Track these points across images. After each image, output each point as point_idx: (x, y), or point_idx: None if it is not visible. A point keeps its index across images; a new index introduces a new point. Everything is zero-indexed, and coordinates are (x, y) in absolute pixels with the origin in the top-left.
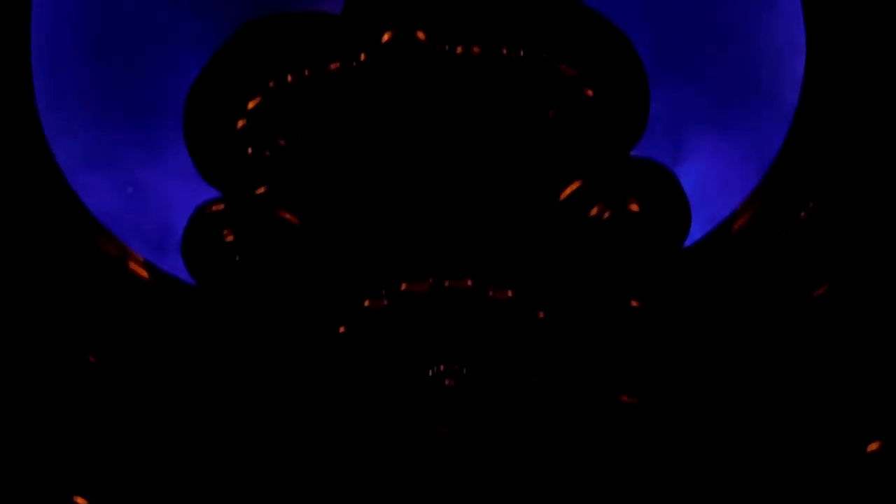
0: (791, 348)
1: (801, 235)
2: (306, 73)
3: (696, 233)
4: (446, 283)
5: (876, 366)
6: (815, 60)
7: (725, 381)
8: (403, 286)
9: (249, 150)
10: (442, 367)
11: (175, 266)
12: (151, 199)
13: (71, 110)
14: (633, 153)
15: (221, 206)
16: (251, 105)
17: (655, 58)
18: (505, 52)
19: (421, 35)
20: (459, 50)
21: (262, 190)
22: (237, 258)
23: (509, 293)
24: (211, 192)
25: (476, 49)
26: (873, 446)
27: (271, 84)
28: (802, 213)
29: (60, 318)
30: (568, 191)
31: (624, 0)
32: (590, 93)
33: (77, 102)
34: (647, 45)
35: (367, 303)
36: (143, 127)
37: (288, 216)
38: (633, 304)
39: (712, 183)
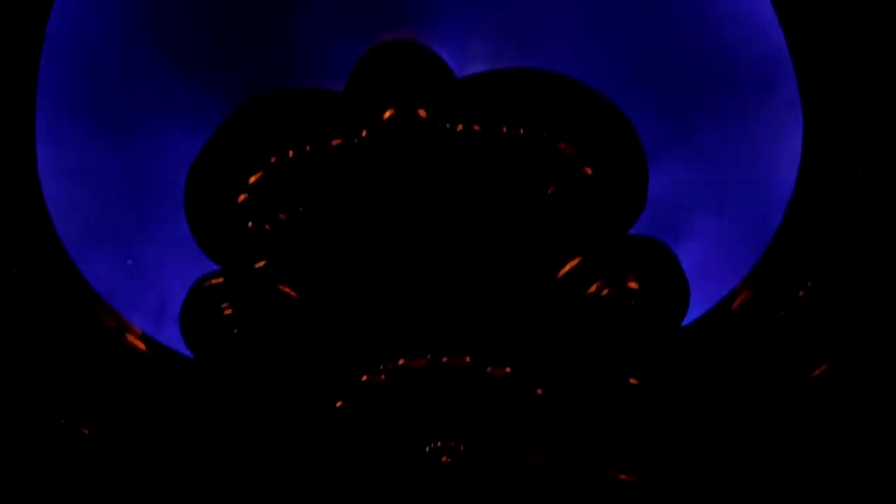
0: (790, 428)
1: (801, 315)
2: (308, 148)
3: (695, 311)
4: (444, 360)
5: (875, 446)
6: (812, 143)
7: (724, 460)
8: (401, 362)
9: (250, 224)
10: (439, 444)
11: (173, 339)
12: (150, 272)
13: (73, 183)
14: (632, 231)
15: (220, 280)
16: (252, 179)
17: (655, 137)
18: (505, 130)
19: (422, 113)
20: (460, 128)
21: (261, 264)
22: (235, 332)
23: (507, 370)
24: (210, 266)
25: (476, 127)
26: None
27: (273, 159)
28: (801, 293)
29: (56, 390)
30: (567, 268)
31: (623, 80)
32: (589, 171)
33: (79, 176)
34: (646, 124)
35: (364, 378)
36: (144, 200)
37: (287, 290)
38: (632, 381)
39: (711, 261)
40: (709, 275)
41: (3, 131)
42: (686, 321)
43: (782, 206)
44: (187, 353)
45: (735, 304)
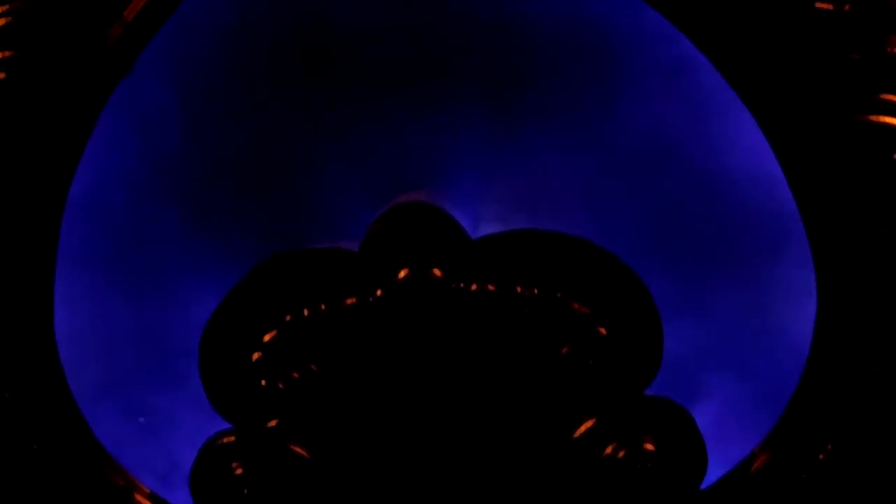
0: None
1: (821, 478)
2: (323, 307)
3: (713, 474)
4: None
5: None
6: (827, 303)
7: None
8: None
9: (263, 383)
10: None
11: (182, 499)
12: (161, 430)
13: (87, 340)
14: (647, 391)
15: (232, 439)
16: (267, 338)
17: (669, 297)
18: (519, 290)
19: (437, 273)
20: (474, 287)
21: (273, 423)
22: (246, 492)
23: None
24: (222, 424)
25: (491, 287)
26: None
27: (288, 318)
28: (821, 455)
29: None
30: (582, 429)
31: (636, 241)
32: (603, 331)
33: (93, 332)
34: (659, 284)
35: None
36: (157, 357)
37: (299, 450)
38: None
39: (729, 422)
40: (726, 436)
41: (21, 289)
42: (704, 484)
43: (799, 367)
44: None
45: (754, 467)
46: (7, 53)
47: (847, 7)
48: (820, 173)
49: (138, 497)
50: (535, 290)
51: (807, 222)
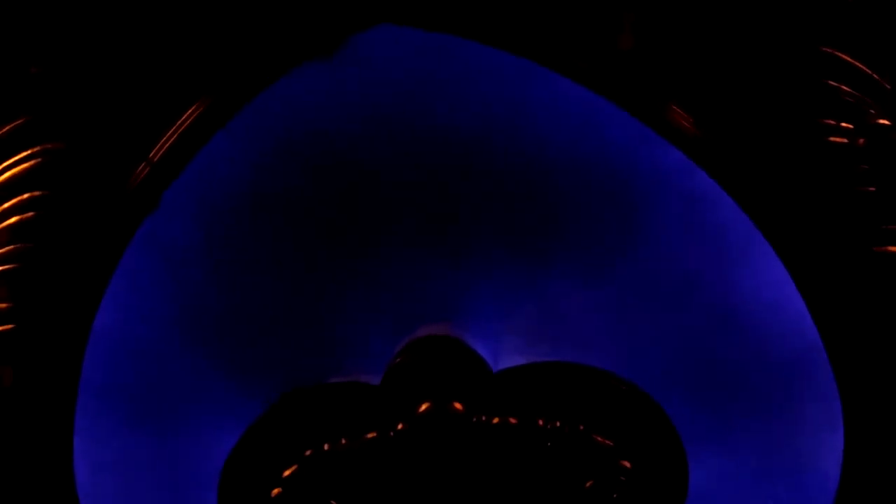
0: None
1: None
2: (343, 441)
3: None
4: None
5: None
6: (854, 433)
7: None
8: None
9: None
10: None
11: None
12: None
13: (107, 473)
14: None
15: None
16: (287, 473)
17: (693, 429)
18: (541, 423)
19: (458, 406)
20: (496, 420)
21: None
22: None
23: None
24: None
25: (513, 420)
26: None
27: (308, 452)
28: None
29: None
30: None
31: (658, 373)
32: (627, 464)
33: (113, 465)
34: (683, 416)
35: None
36: (178, 490)
37: None
38: None
39: None
40: None
41: (42, 420)
42: None
43: (828, 498)
44: None
45: None
46: (38, 193)
47: (861, 141)
48: (841, 303)
49: None
50: (558, 423)
51: (831, 353)
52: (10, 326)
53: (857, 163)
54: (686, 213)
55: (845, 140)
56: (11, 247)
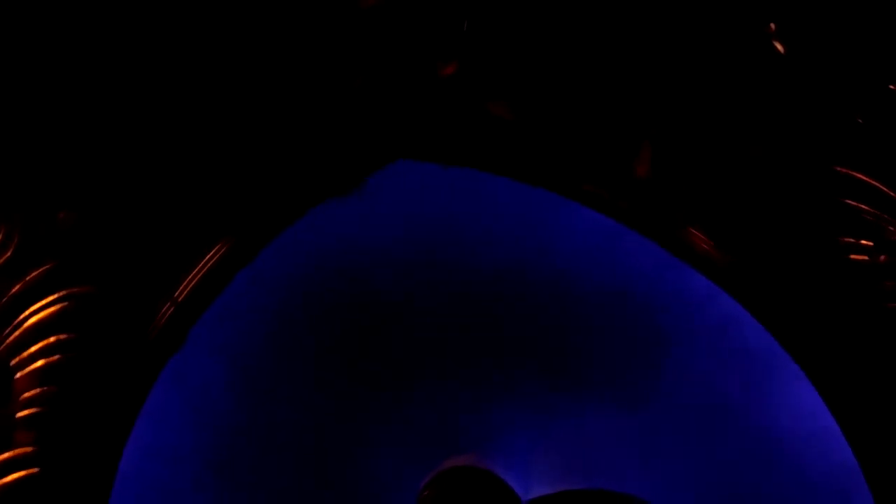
0: None
1: None
2: None
3: None
4: None
5: None
6: None
7: None
8: None
9: None
10: None
11: None
12: None
13: None
14: None
15: None
16: None
17: None
18: None
19: None
20: None
21: None
22: None
23: None
24: None
25: None
26: None
27: None
28: None
29: None
30: None
31: (694, 496)
32: None
33: None
34: None
35: None
36: None
37: None
38: None
39: None
40: None
41: None
42: None
43: None
44: None
45: None
46: (64, 336)
47: (883, 258)
48: (875, 424)
49: None
50: None
51: (868, 475)
52: (34, 471)
53: (880, 279)
54: (713, 339)
55: (866, 258)
56: (38, 390)
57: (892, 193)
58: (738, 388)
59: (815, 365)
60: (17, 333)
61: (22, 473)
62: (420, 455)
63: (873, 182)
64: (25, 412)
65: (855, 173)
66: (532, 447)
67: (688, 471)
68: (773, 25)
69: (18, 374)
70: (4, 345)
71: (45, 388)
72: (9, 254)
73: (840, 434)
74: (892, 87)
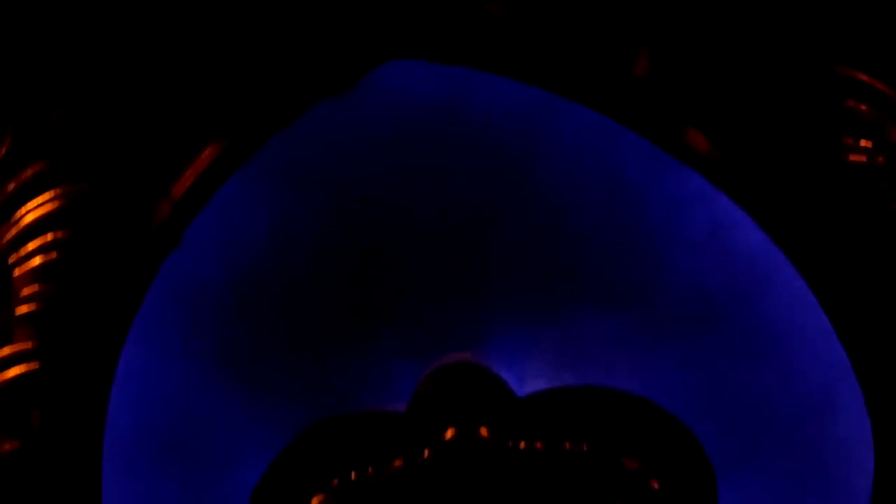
0: None
1: None
2: (370, 470)
3: None
4: None
5: None
6: (884, 454)
7: None
8: None
9: None
10: None
11: None
12: None
13: None
14: None
15: None
16: (314, 502)
17: (720, 452)
18: (568, 446)
19: (484, 432)
20: (522, 445)
21: None
22: None
23: None
24: None
25: (539, 444)
26: None
27: (335, 482)
28: None
29: None
30: None
31: (685, 396)
32: (655, 485)
33: (143, 500)
34: (712, 438)
35: None
36: None
37: None
38: None
39: None
40: None
41: (70, 462)
42: None
43: None
44: None
45: None
46: (60, 234)
47: (881, 159)
48: (869, 324)
49: None
50: (585, 447)
51: (860, 375)
52: (35, 366)
53: (878, 180)
54: (708, 240)
55: (865, 158)
56: (36, 287)
57: (892, 94)
58: (731, 289)
59: (810, 265)
60: (13, 231)
61: (23, 368)
62: (416, 355)
63: (874, 82)
64: (25, 308)
65: (855, 73)
66: (527, 346)
67: (679, 368)
68: None
69: (17, 272)
70: (2, 243)
71: (44, 285)
72: (2, 153)
73: (833, 333)
74: None
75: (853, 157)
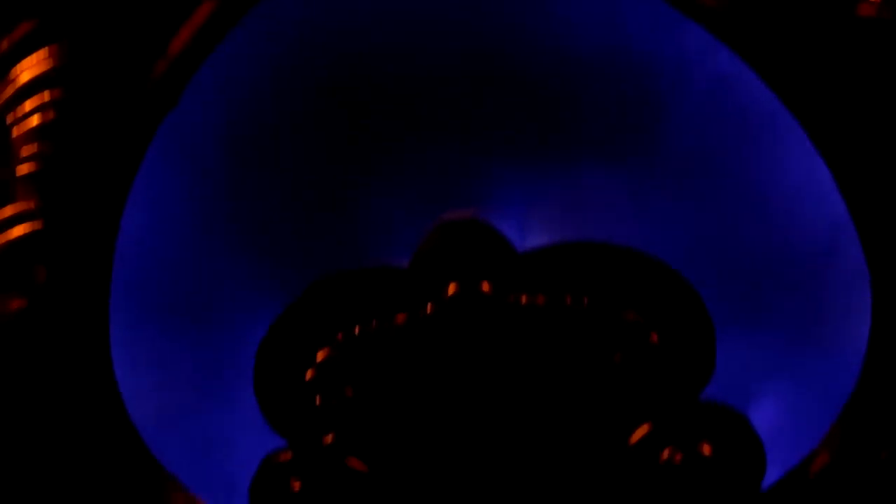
0: None
1: (883, 475)
2: (374, 325)
3: (772, 475)
4: None
5: None
6: (882, 304)
7: None
8: None
9: (317, 400)
10: None
11: None
12: (219, 450)
13: (144, 371)
14: (702, 396)
15: (289, 456)
16: (320, 357)
17: (720, 305)
18: (569, 301)
19: (486, 287)
20: (524, 300)
21: (329, 438)
22: None
23: None
24: (279, 442)
25: (540, 299)
26: None
27: (339, 336)
28: (884, 453)
29: None
30: (638, 435)
31: (685, 249)
32: (655, 338)
33: (150, 364)
34: (711, 291)
35: None
36: (213, 381)
37: (355, 464)
38: None
39: (786, 424)
40: (784, 440)
41: (79, 326)
42: (764, 486)
43: (856, 367)
44: None
45: (814, 467)
46: (58, 93)
47: (888, 14)
48: (871, 178)
49: None
50: (585, 301)
51: (860, 229)
52: (38, 225)
53: (885, 35)
54: (711, 95)
55: (873, 12)
56: (35, 147)
57: None
58: (733, 143)
59: (812, 118)
60: (9, 90)
61: (26, 228)
62: (417, 211)
63: None
64: (25, 168)
65: None
66: (528, 201)
67: (679, 224)
68: None
69: (15, 132)
70: None
71: (43, 144)
72: None
73: (834, 187)
74: None
75: (862, 9)
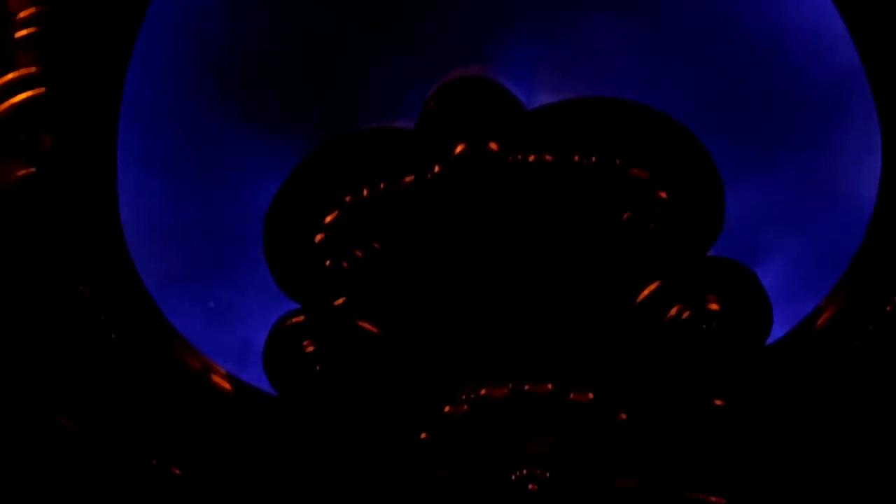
0: (880, 449)
1: (889, 330)
2: (382, 186)
3: (778, 330)
4: (526, 388)
5: None
6: (892, 157)
7: (812, 482)
8: (483, 391)
9: (328, 263)
10: (525, 472)
11: (257, 378)
12: (232, 314)
13: (154, 235)
14: (710, 253)
15: (301, 318)
16: (328, 219)
17: (729, 159)
18: (577, 159)
19: (494, 146)
20: (532, 159)
21: (340, 301)
22: (318, 368)
23: (590, 396)
24: (290, 305)
25: (548, 157)
26: None
27: (348, 199)
28: (889, 307)
29: (147, 433)
30: (646, 292)
31: (694, 104)
32: (663, 195)
33: (160, 227)
34: (720, 146)
35: (447, 409)
36: (224, 245)
37: (367, 325)
38: (718, 403)
39: (794, 279)
40: (791, 293)
41: (87, 192)
42: (770, 340)
43: (864, 222)
44: (271, 391)
45: (820, 322)
46: None
47: None
48: (883, 21)
49: (215, 378)
50: (593, 158)
51: (871, 78)
52: (41, 91)
53: None
54: None
55: None
56: (32, 10)
57: None
58: None
59: None
60: None
61: (28, 94)
62: (424, 69)
63: None
64: (24, 32)
65: None
66: (536, 58)
67: (689, 77)
68: None
69: None
70: None
71: (41, 6)
72: None
73: (847, 36)
74: None
75: None
